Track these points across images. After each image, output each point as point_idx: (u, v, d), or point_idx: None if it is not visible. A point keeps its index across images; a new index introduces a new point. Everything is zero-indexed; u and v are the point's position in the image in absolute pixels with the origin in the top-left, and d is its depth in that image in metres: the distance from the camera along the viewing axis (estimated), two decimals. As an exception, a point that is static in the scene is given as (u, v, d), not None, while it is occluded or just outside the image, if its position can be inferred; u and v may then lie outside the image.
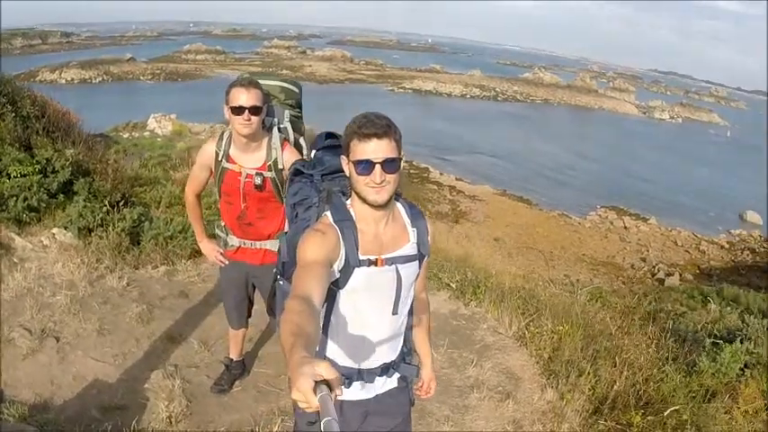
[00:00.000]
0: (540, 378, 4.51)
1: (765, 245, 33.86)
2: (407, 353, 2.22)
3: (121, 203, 5.55)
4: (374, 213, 1.93)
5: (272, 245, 3.20)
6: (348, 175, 1.92)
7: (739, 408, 3.60)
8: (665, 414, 3.44)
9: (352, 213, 1.96)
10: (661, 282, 25.49)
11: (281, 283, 2.19)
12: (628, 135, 71.28)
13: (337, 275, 1.92)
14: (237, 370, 3.87)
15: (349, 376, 2.08)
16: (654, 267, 27.49)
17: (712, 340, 4.61)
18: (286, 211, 2.25)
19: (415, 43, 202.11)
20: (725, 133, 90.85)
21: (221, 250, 3.30)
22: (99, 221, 5.16)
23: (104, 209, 5.26)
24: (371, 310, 2.03)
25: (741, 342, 4.32)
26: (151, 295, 4.77)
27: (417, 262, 2.05)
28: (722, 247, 33.44)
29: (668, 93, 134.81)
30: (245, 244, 3.21)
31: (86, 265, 4.77)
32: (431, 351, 2.46)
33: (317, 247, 1.84)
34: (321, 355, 2.07)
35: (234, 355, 3.82)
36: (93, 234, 5.12)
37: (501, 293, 5.69)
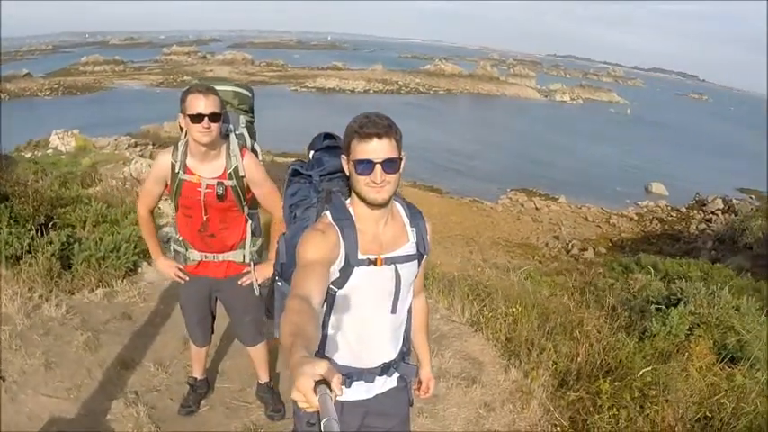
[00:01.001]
0: (500, 360, 4.60)
1: (672, 214, 36.04)
2: (406, 352, 2.22)
3: (49, 226, 5.20)
4: (374, 213, 1.93)
5: (234, 256, 3.10)
6: (348, 174, 1.91)
7: (693, 365, 3.80)
8: (639, 375, 3.58)
9: (352, 213, 1.95)
10: (576, 257, 26.56)
11: (279, 284, 2.14)
12: (531, 119, 73.93)
13: (337, 275, 1.92)
14: (203, 389, 3.72)
15: (349, 376, 2.06)
16: (568, 244, 28.53)
17: (656, 306, 4.84)
18: (284, 213, 2.20)
19: (315, 42, 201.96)
20: (625, 111, 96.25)
21: (180, 266, 3.14)
22: (26, 248, 4.81)
23: (30, 234, 4.91)
24: (371, 310, 2.02)
25: (684, 305, 4.56)
26: (94, 321, 4.50)
27: (417, 261, 2.06)
28: (631, 219, 35.29)
29: (567, 76, 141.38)
30: (206, 257, 3.08)
31: (19, 295, 4.42)
32: (430, 351, 2.47)
33: (316, 246, 1.83)
34: (321, 355, 2.05)
35: (198, 374, 3.66)
36: (21, 262, 4.76)
37: (449, 282, 5.75)
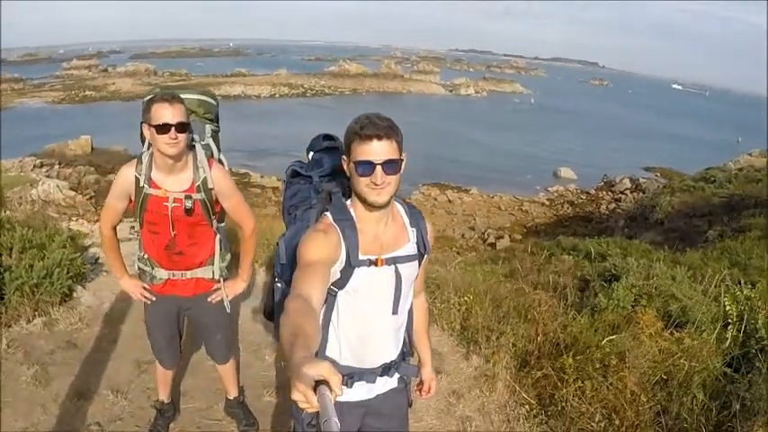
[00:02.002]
0: (459, 348, 4.72)
1: (582, 196, 37.75)
2: (407, 353, 2.24)
3: (-26, 257, 4.85)
4: (374, 214, 1.94)
5: (203, 272, 2.98)
6: (348, 175, 1.91)
7: (644, 332, 4.02)
8: (603, 343, 3.75)
9: (353, 214, 1.96)
10: (493, 245, 26.98)
11: (278, 285, 2.12)
12: (438, 114, 75.11)
13: (338, 275, 1.92)
14: (170, 412, 3.58)
15: (350, 376, 2.06)
16: (483, 233, 29.14)
17: (599, 283, 5.08)
18: (283, 213, 2.18)
19: (218, 49, 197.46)
20: (529, 100, 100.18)
21: (146, 286, 2.98)
22: (-46, 282, 4.47)
23: (-44, 267, 4.57)
24: (372, 310, 2.02)
25: (626, 279, 4.82)
26: (38, 353, 4.24)
27: (417, 261, 2.07)
28: (543, 204, 36.61)
29: (471, 69, 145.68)
30: (174, 275, 2.93)
31: (-46, 333, 4.12)
32: (431, 351, 2.49)
33: (318, 246, 1.84)
34: (322, 356, 2.04)
35: (164, 397, 3.51)
36: (-51, 297, 4.43)
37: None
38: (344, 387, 1.99)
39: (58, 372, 4.02)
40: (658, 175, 43.94)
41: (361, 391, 2.12)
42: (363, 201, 1.90)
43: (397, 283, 2.01)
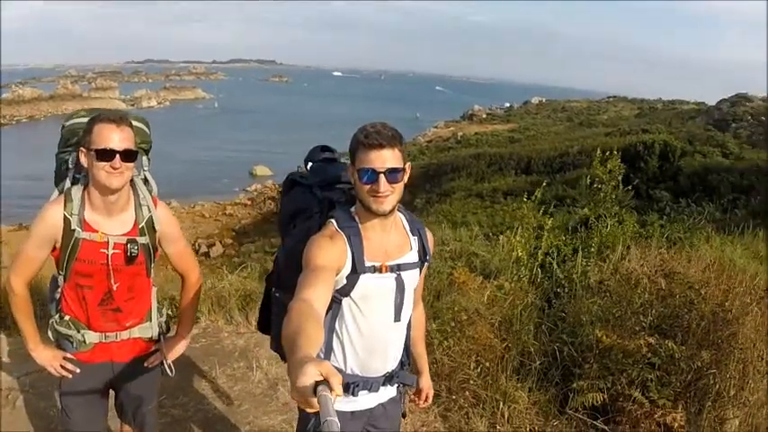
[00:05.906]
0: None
1: (281, 189, 39.01)
2: (406, 363, 2.27)
3: None
4: (378, 221, 1.99)
5: (141, 331, 2.50)
6: (353, 183, 1.97)
7: (470, 288, 4.63)
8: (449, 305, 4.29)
9: (357, 221, 2.00)
10: (207, 255, 26.88)
11: (277, 295, 2.12)
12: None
13: (344, 282, 1.98)
14: None
15: (356, 385, 2.09)
16: (194, 244, 28.27)
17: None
18: (282, 222, 2.16)
19: None
20: (213, 105, 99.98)
21: (69, 355, 2.41)
22: None
23: None
24: (376, 317, 2.07)
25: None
26: None
27: (418, 269, 2.14)
28: (245, 205, 37.03)
29: (150, 80, 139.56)
30: (107, 338, 2.42)
31: None
32: (427, 360, 2.56)
33: (325, 251, 1.89)
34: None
35: None
36: None
37: (224, 297, 5.59)
38: (350, 396, 2.10)
39: None
40: (351, 157, 47.60)
41: (366, 400, 2.16)
42: (367, 208, 1.94)
43: (398, 290, 2.06)
